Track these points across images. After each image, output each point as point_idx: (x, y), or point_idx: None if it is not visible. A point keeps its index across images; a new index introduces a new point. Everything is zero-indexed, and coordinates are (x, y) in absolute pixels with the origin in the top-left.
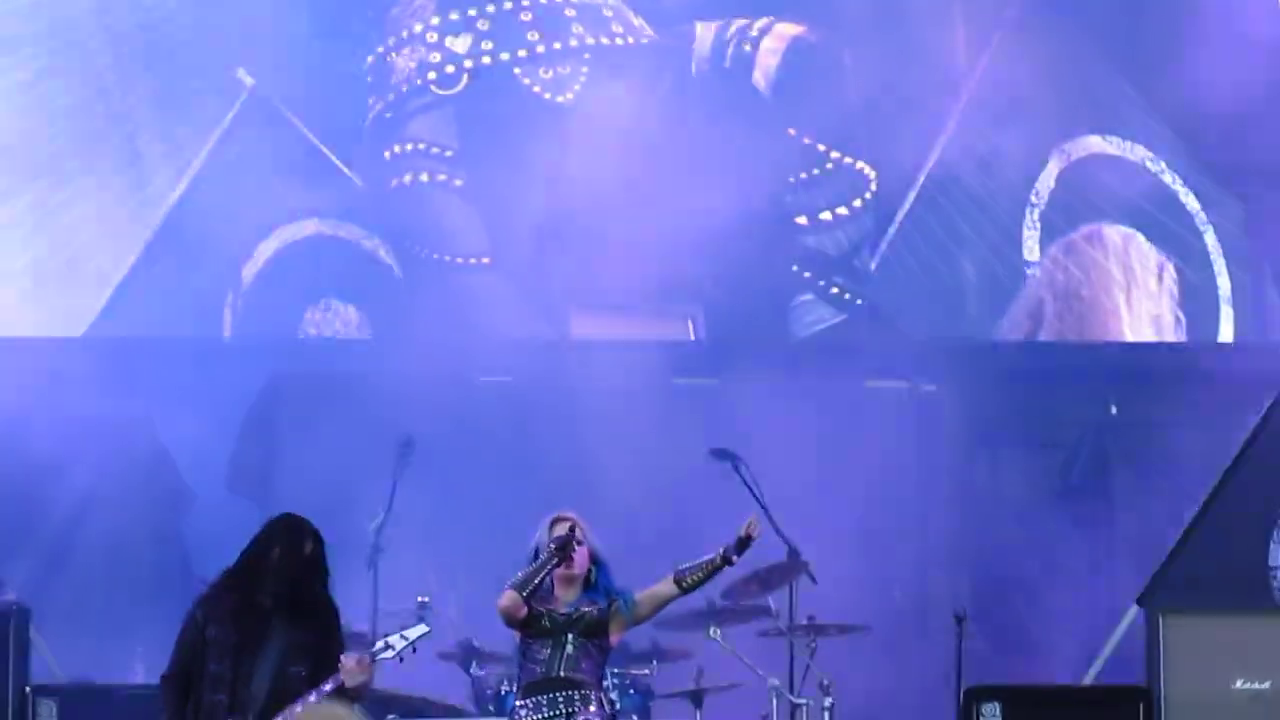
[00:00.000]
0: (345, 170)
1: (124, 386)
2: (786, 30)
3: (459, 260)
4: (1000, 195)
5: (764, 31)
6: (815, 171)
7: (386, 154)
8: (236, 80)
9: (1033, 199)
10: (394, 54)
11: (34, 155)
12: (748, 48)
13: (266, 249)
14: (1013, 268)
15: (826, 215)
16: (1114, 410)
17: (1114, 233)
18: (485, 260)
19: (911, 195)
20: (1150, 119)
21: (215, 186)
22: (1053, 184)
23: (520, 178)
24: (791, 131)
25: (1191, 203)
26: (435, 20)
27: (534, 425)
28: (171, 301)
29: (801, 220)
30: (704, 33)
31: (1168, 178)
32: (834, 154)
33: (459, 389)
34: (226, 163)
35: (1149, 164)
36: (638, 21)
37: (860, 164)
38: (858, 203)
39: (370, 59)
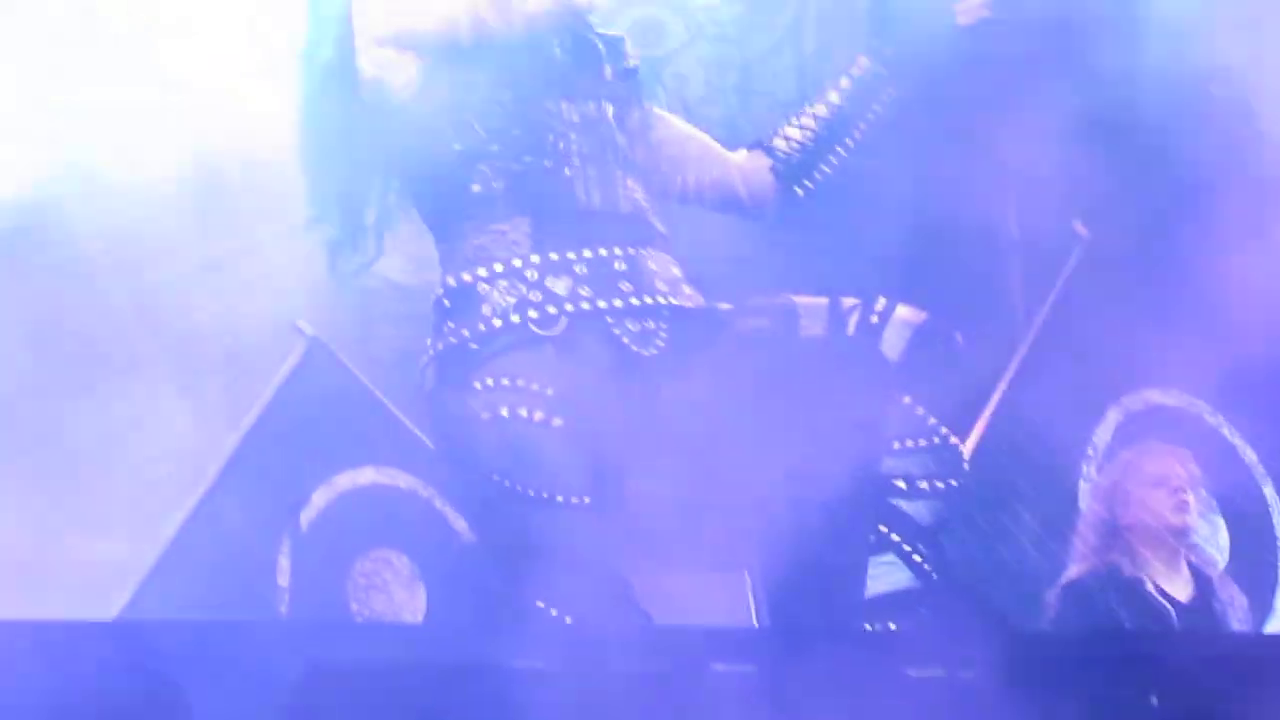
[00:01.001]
0: (400, 415)
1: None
2: (912, 312)
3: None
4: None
5: (889, 308)
6: (921, 442)
7: (476, 384)
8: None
9: (1089, 452)
10: (485, 284)
11: None
12: (875, 319)
13: (322, 497)
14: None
15: (925, 485)
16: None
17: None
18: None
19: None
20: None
21: (274, 435)
22: (1109, 438)
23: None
24: (907, 400)
25: (1250, 455)
26: (536, 258)
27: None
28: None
29: (899, 484)
30: (808, 304)
31: (1226, 431)
32: (943, 429)
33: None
34: (286, 410)
35: (1207, 416)
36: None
37: (961, 446)
38: (954, 480)
39: (450, 282)
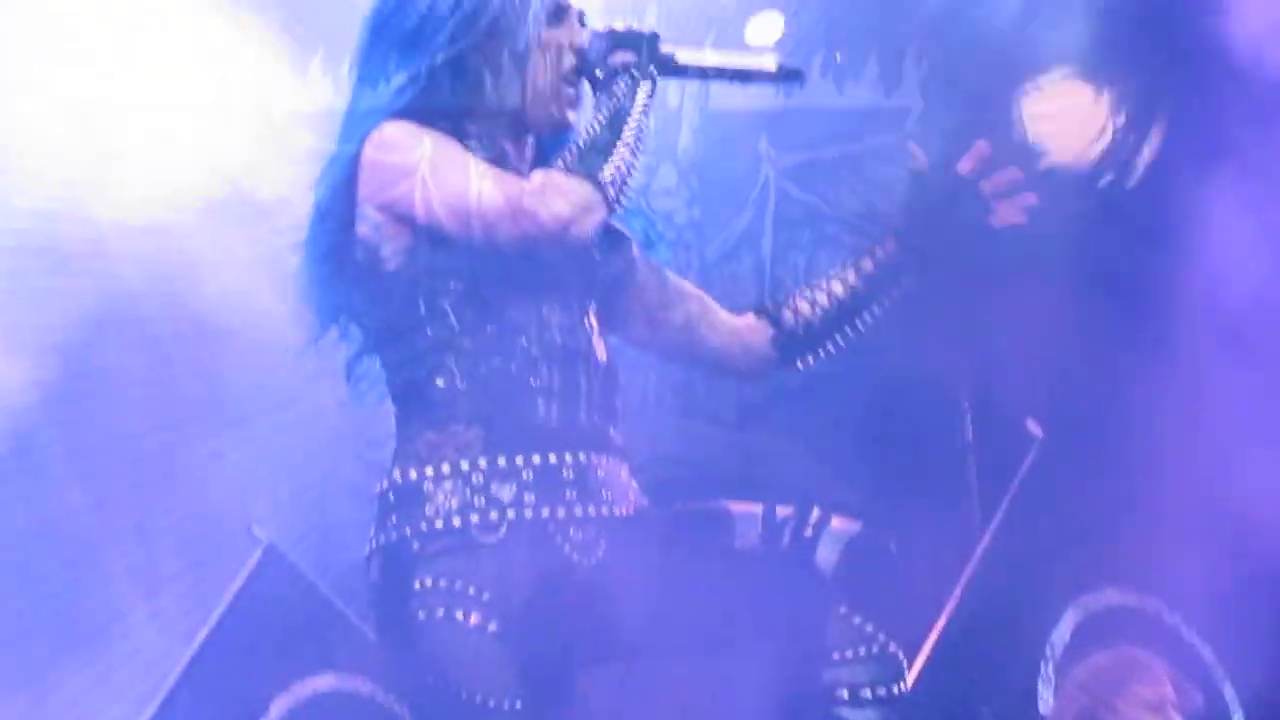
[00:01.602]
0: (357, 621)
1: None
2: (846, 523)
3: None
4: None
5: (824, 520)
6: (861, 651)
7: (416, 584)
8: (254, 536)
9: (1048, 652)
10: (430, 484)
11: None
12: (809, 533)
13: (281, 705)
14: None
15: (867, 693)
16: None
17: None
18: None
19: (925, 650)
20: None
21: (230, 644)
22: (1068, 638)
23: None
24: (843, 610)
25: (1208, 654)
26: (483, 462)
27: None
28: None
29: (842, 694)
30: (743, 511)
31: (1184, 630)
32: (881, 637)
33: None
34: (240, 619)
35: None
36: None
37: (900, 654)
38: (896, 689)
39: (396, 477)
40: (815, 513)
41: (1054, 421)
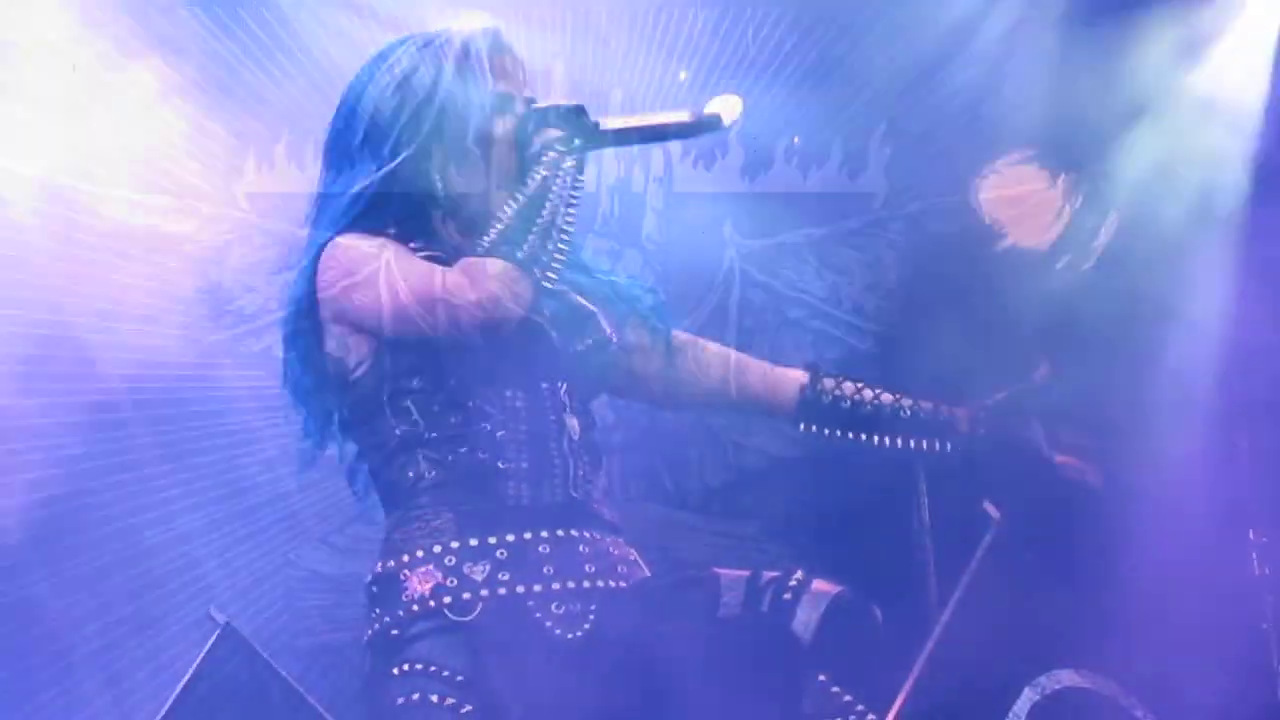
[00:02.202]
0: (317, 706)
1: None
2: (826, 586)
3: None
4: None
5: (804, 583)
6: None
7: (395, 670)
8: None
9: None
10: (406, 571)
11: None
12: (788, 597)
13: None
14: None
15: None
16: None
17: None
18: None
19: None
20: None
21: None
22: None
23: None
24: (821, 678)
25: None
26: (455, 544)
27: None
28: None
29: None
30: (729, 578)
31: (1139, 713)
32: (859, 706)
33: None
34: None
35: (1120, 699)
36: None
37: (871, 715)
38: None
39: (379, 570)
40: (798, 575)
41: (1011, 503)
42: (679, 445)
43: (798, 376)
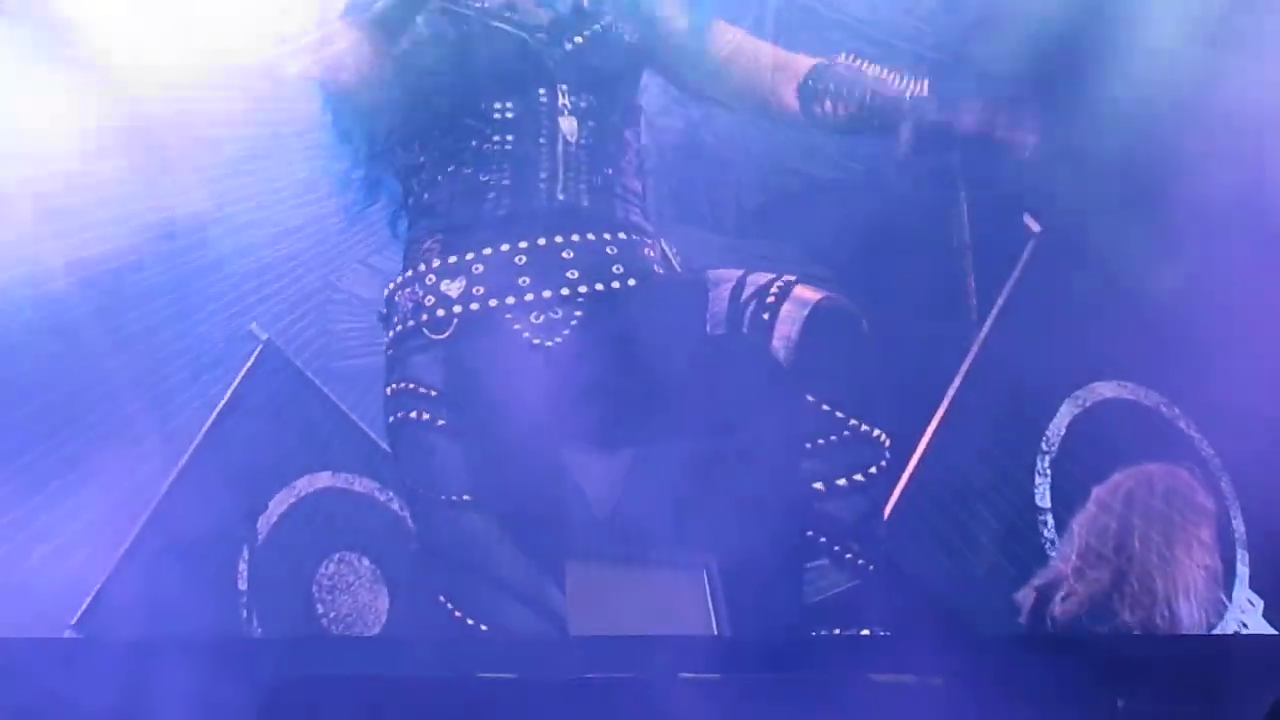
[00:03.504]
0: (356, 420)
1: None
2: (806, 294)
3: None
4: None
5: (782, 296)
6: (833, 438)
7: (388, 390)
8: (251, 334)
9: (1044, 446)
10: (399, 292)
11: None
12: (766, 316)
13: (280, 502)
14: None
15: (843, 481)
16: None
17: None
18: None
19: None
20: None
21: (230, 442)
22: (1064, 431)
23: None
24: (810, 398)
25: (1207, 449)
26: (436, 263)
27: None
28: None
29: (818, 486)
30: (717, 294)
31: (1183, 424)
32: (852, 421)
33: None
34: (240, 417)
35: (1164, 409)
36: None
37: (876, 431)
38: (873, 470)
39: (385, 291)
40: (778, 285)
41: (1052, 217)
42: (715, 167)
43: (800, 67)
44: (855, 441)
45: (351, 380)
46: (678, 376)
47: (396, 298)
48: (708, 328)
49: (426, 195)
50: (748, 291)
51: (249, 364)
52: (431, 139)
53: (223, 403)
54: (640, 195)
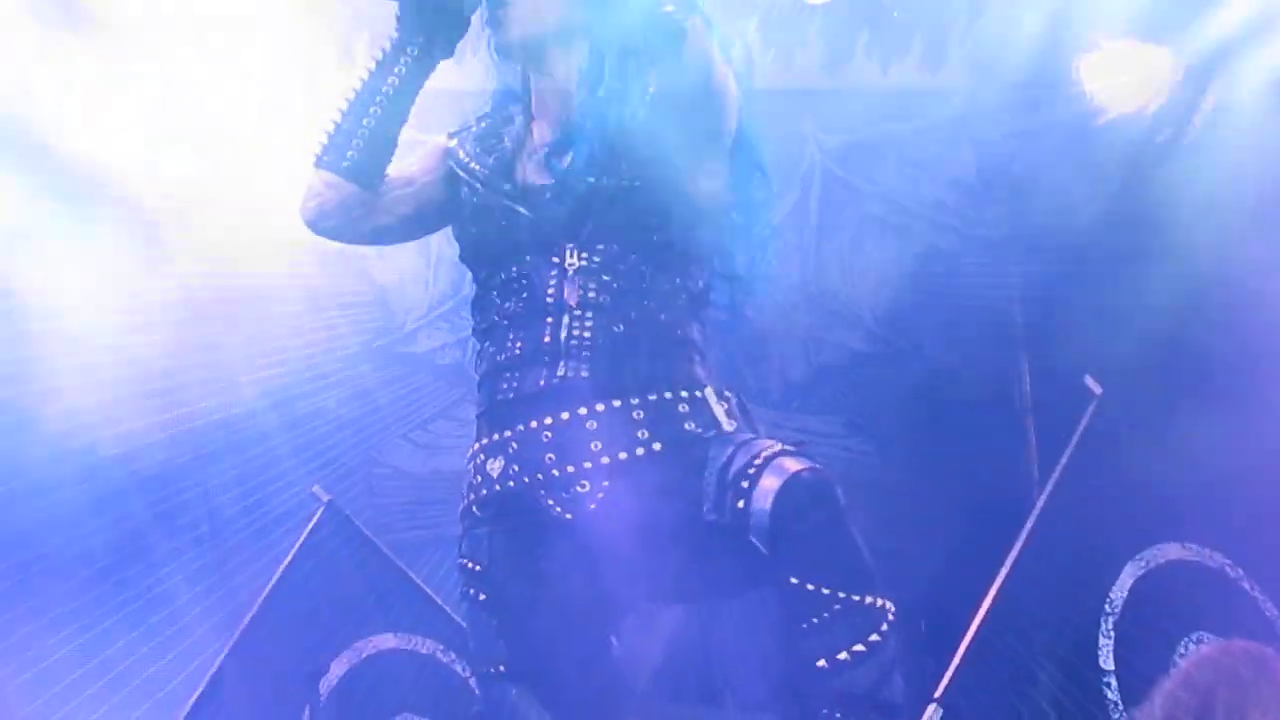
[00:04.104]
0: (418, 582)
1: None
2: (770, 483)
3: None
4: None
5: (757, 476)
6: (825, 615)
7: (458, 563)
8: (313, 495)
9: (1107, 608)
10: (467, 467)
11: None
12: (741, 504)
13: (343, 663)
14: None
15: (845, 656)
16: None
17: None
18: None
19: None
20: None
21: (292, 602)
22: (1127, 593)
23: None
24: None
25: (1270, 610)
26: (484, 440)
27: None
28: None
29: (821, 664)
30: (709, 475)
31: (1247, 585)
32: (840, 594)
33: None
34: (303, 578)
35: (1229, 570)
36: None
37: (869, 598)
38: (875, 637)
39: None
40: (754, 465)
41: (1113, 377)
42: (758, 341)
43: None
44: (848, 614)
45: (395, 553)
46: (684, 548)
47: (466, 472)
48: (704, 511)
49: (477, 368)
50: (731, 473)
51: (312, 524)
52: (478, 308)
53: (286, 562)
54: (683, 342)
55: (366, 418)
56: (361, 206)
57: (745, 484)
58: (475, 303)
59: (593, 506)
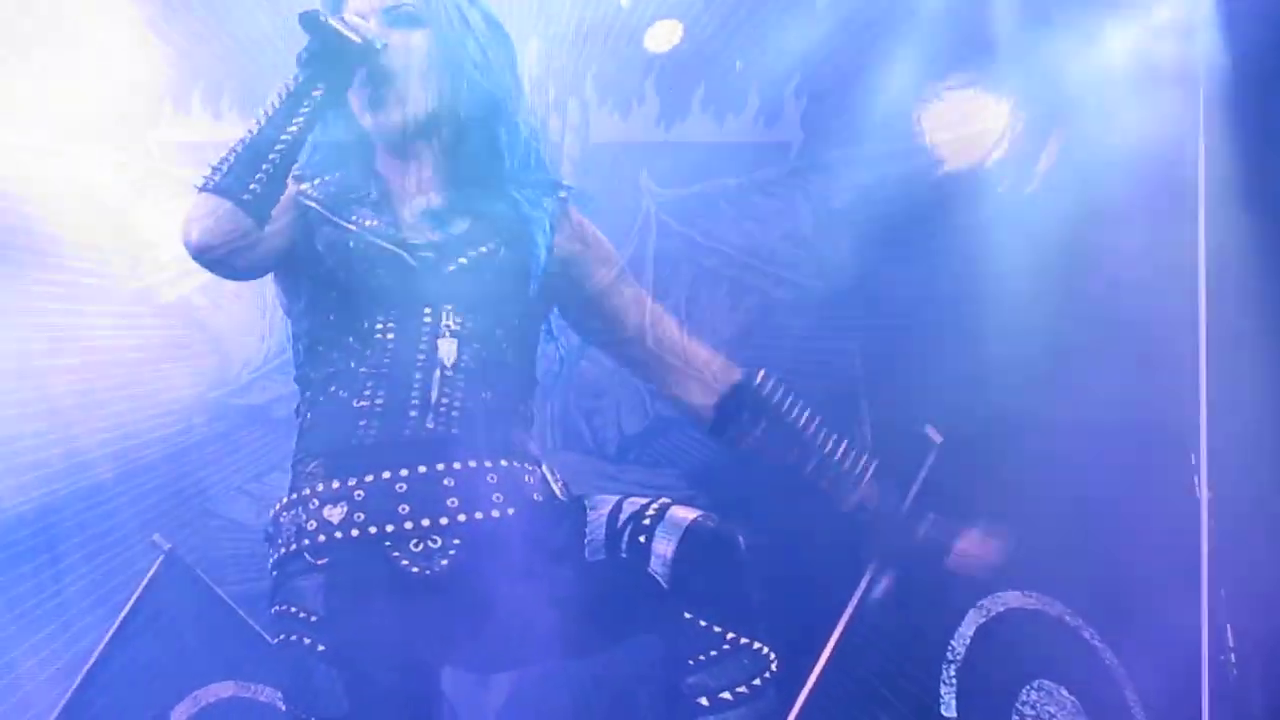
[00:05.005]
0: (258, 629)
1: None
2: (681, 515)
3: None
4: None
5: (657, 518)
6: (713, 653)
7: (273, 610)
8: (152, 545)
9: (949, 655)
10: (283, 514)
11: None
12: (642, 539)
13: (182, 712)
14: None
15: (727, 695)
16: None
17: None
18: None
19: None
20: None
21: (131, 650)
22: (969, 639)
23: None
24: (687, 615)
25: (1110, 657)
26: (320, 487)
27: None
28: None
29: (703, 701)
30: (595, 519)
31: (1086, 634)
32: (730, 635)
33: None
34: (143, 626)
35: (1067, 618)
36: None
37: (758, 644)
38: (757, 681)
39: (270, 511)
40: (653, 508)
41: (951, 427)
42: (595, 394)
43: (730, 370)
44: (736, 655)
45: (234, 602)
46: (558, 601)
47: (281, 519)
48: (586, 554)
49: (310, 414)
50: (624, 515)
51: (151, 572)
52: (317, 355)
53: (126, 609)
54: (526, 418)
55: (201, 469)
56: (246, 238)
57: (646, 522)
58: (314, 348)
59: (444, 563)
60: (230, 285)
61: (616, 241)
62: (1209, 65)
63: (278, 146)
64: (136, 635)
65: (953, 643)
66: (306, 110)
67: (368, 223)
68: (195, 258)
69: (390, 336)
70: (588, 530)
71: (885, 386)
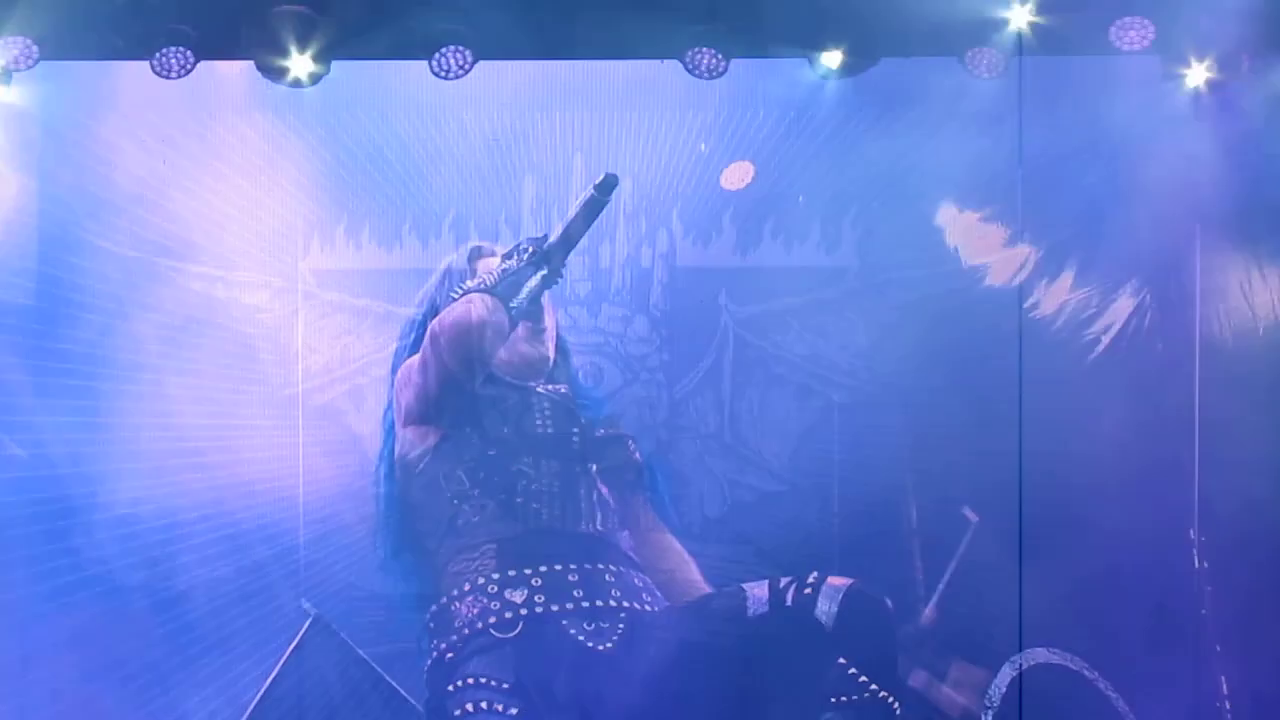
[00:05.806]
0: (395, 685)
1: None
2: (839, 581)
3: None
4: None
5: (819, 581)
6: (854, 698)
7: (450, 688)
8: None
9: (986, 703)
10: (457, 603)
11: None
12: (808, 591)
13: None
14: None
15: None
16: None
17: None
18: None
19: None
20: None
21: (281, 707)
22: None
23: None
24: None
25: (1121, 705)
26: (496, 575)
27: None
28: None
29: None
30: (752, 588)
31: (1102, 685)
32: (872, 686)
33: None
34: (288, 690)
35: (1086, 672)
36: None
37: (891, 699)
38: None
39: (434, 607)
40: (814, 574)
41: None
42: (682, 483)
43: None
44: (874, 704)
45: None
46: (726, 657)
47: (454, 607)
48: (749, 611)
49: (476, 517)
50: (784, 582)
51: (299, 636)
52: (478, 475)
53: (271, 675)
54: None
55: (348, 549)
56: (501, 338)
57: (810, 581)
58: (491, 469)
59: (615, 639)
60: (370, 391)
61: (699, 352)
62: None
63: (527, 286)
64: (286, 693)
65: (989, 692)
66: (536, 280)
67: (542, 389)
68: (464, 335)
69: (552, 470)
70: (748, 596)
71: (931, 474)
